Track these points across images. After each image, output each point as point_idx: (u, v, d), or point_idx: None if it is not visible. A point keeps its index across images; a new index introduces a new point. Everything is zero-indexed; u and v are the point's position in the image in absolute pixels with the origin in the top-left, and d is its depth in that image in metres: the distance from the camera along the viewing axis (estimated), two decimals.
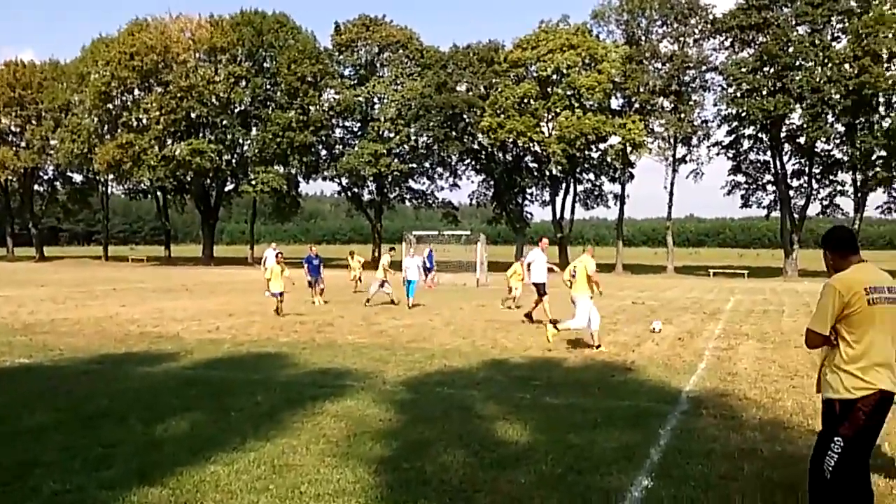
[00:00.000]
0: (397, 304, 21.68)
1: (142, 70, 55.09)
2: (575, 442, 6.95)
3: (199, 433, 7.14)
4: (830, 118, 48.54)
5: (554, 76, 52.85)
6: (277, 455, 6.43)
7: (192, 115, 57.19)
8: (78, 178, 71.13)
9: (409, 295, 21.29)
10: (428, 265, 31.71)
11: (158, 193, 66.16)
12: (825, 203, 53.45)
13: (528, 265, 17.92)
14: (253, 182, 57.49)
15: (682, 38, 54.16)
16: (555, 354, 12.54)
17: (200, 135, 58.86)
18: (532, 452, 6.59)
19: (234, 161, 60.59)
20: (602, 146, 54.14)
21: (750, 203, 54.95)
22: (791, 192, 53.13)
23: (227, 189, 64.77)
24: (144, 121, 56.78)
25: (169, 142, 57.61)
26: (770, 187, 54.11)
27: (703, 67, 53.69)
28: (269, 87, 59.31)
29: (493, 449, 6.68)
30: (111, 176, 63.17)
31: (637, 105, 53.71)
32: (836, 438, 4.46)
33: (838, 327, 4.52)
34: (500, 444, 6.90)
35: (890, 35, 45.78)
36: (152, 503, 5.30)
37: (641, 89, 52.47)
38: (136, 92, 57.94)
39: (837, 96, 46.59)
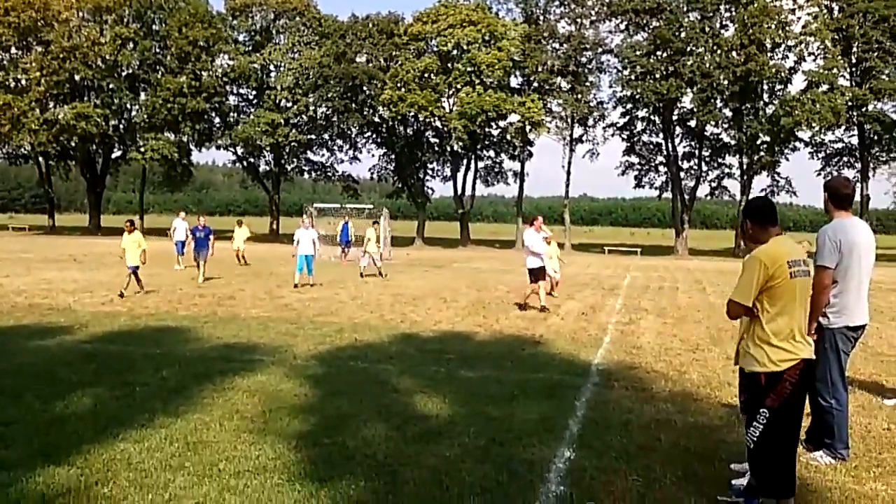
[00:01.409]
0: (386, 278, 22.52)
1: (18, 27, 51.76)
2: (494, 414, 6.95)
3: (103, 410, 6.75)
4: (719, 103, 50.63)
5: (454, 52, 52.85)
6: (190, 432, 6.15)
7: (77, 78, 54.25)
8: None
9: (304, 271, 19.25)
10: (344, 239, 31.16)
11: (41, 159, 62.39)
12: (714, 185, 55.86)
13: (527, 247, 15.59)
14: (142, 149, 55.15)
15: (579, 20, 55.13)
16: (464, 328, 12.55)
17: (85, 98, 55.98)
18: (453, 426, 6.55)
19: (121, 127, 58.00)
20: (502, 124, 54.63)
21: (643, 183, 56.81)
22: (682, 174, 55.17)
23: (114, 156, 61.86)
24: (23, 81, 53.41)
25: (51, 105, 54.56)
26: (662, 168, 56.03)
27: (600, 49, 54.93)
28: (158, 50, 56.93)
29: (414, 423, 6.60)
30: None
31: (536, 84, 54.43)
32: (761, 410, 4.56)
33: (760, 299, 4.59)
34: (420, 417, 6.82)
35: (773, 25, 47.96)
36: (60, 484, 4.95)
37: (540, 69, 53.16)
38: (14, 50, 54.58)
39: (726, 82, 48.58)
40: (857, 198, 53.93)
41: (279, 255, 33.33)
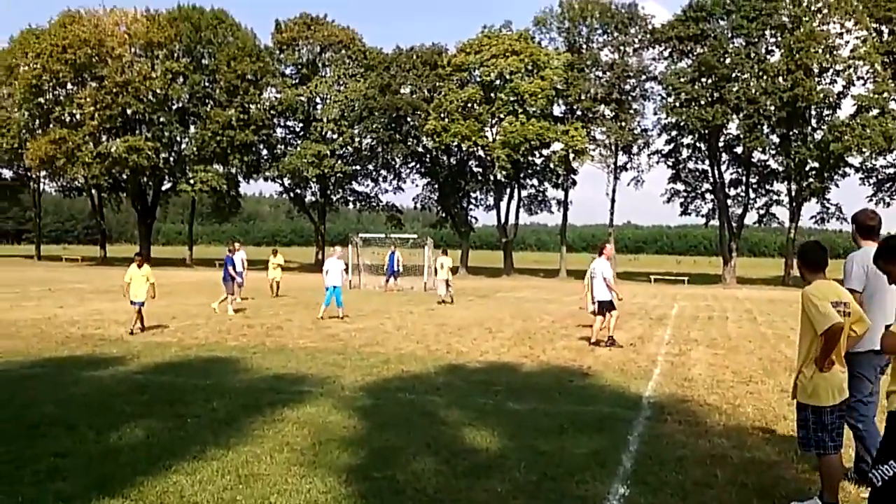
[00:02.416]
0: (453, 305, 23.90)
1: (75, 64, 53.32)
2: (545, 448, 6.86)
3: (155, 441, 6.83)
4: (766, 129, 49.89)
5: (497, 81, 53.04)
6: (241, 464, 6.17)
7: (129, 112, 55.61)
8: (7, 174, 68.43)
9: (338, 304, 18.62)
10: (391, 268, 31.27)
11: (93, 191, 64.09)
12: (762, 212, 54.85)
13: (591, 279, 15.00)
14: (191, 181, 56.21)
15: (622, 48, 54.99)
16: (510, 359, 12.47)
17: (137, 132, 57.26)
18: (503, 460, 6.48)
19: (171, 159, 59.12)
20: (545, 152, 54.55)
21: (689, 211, 56.09)
22: (728, 201, 54.38)
23: (164, 188, 63.16)
24: (78, 116, 54.91)
25: (104, 138, 55.90)
26: (708, 196, 55.27)
27: (643, 77, 54.62)
28: (207, 84, 58.07)
29: (463, 456, 6.54)
30: (43, 172, 61.07)
31: (579, 112, 54.31)
32: None
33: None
34: (469, 451, 6.76)
35: (820, 50, 47.32)
36: None
37: (583, 97, 53.08)
38: (69, 86, 56.05)
39: (772, 108, 47.89)
40: None
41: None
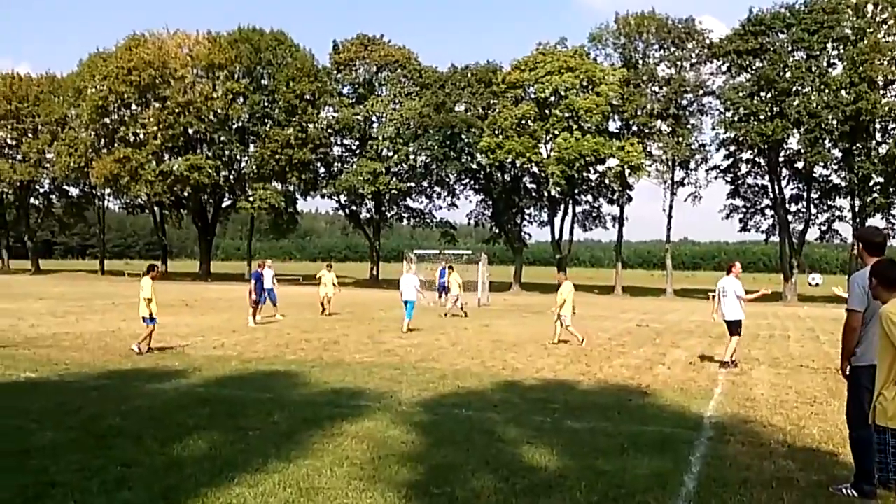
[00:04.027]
0: (467, 317, 24.27)
1: (139, 85, 55.06)
2: (605, 468, 6.77)
3: (218, 453, 6.95)
4: (828, 143, 48.77)
5: (552, 98, 52.92)
6: (302, 477, 6.24)
7: (190, 131, 57.16)
8: (74, 191, 70.72)
9: (408, 317, 19.74)
10: (441, 285, 31.14)
11: (155, 208, 65.85)
12: (823, 228, 53.55)
13: (722, 297, 14.20)
14: (251, 198, 57.39)
15: (679, 63, 54.40)
16: (567, 377, 12.37)
17: (198, 150, 58.71)
18: (563, 479, 6.41)
19: (231, 177, 60.46)
20: (600, 168, 54.16)
21: (749, 227, 55.04)
22: (789, 217, 53.21)
23: (224, 205, 64.57)
24: (142, 135, 56.66)
25: (166, 157, 57.53)
26: (768, 211, 54.19)
27: (701, 91, 53.90)
28: (266, 104, 59.26)
29: (522, 475, 6.50)
30: (108, 190, 63.03)
31: (635, 128, 53.86)
32: None
33: None
34: (528, 469, 6.72)
35: (885, 62, 46.13)
36: None
37: (639, 112, 52.63)
38: (134, 107, 57.83)
39: (835, 122, 46.81)
40: None
41: (380, 301, 33.80)
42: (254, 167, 57.56)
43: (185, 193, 59.79)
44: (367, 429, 8.06)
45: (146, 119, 55.66)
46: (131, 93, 55.49)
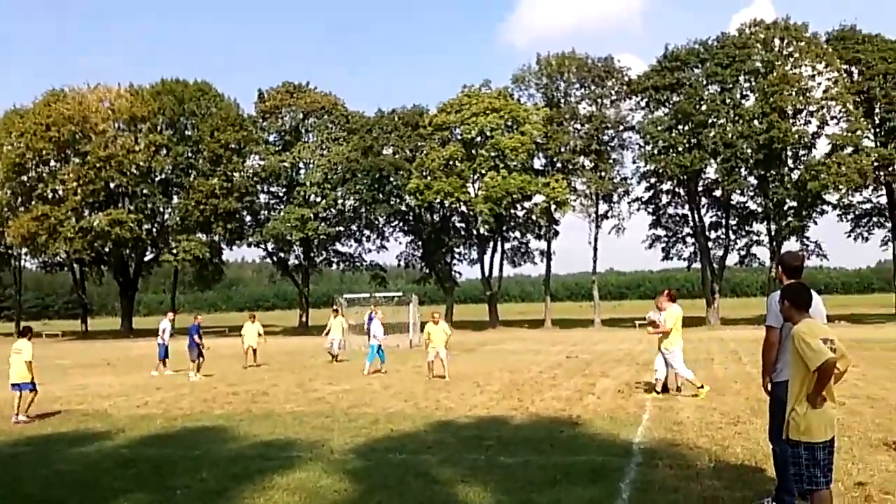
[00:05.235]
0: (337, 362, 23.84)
1: (58, 141, 53.67)
2: (539, 501, 6.83)
3: None
4: (744, 171, 50.77)
5: (478, 138, 53.80)
6: None
7: (111, 185, 55.87)
8: None
9: (381, 359, 21.04)
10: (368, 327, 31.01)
11: (75, 265, 63.78)
12: (742, 253, 55.49)
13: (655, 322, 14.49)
14: (174, 251, 56.23)
15: (599, 100, 56.03)
16: (500, 412, 12.42)
17: (120, 205, 57.32)
18: None
19: (154, 230, 59.22)
20: (527, 205, 55.14)
21: (671, 255, 56.62)
22: (710, 244, 54.93)
23: (146, 259, 63.04)
24: (61, 192, 54.98)
25: (86, 213, 55.97)
26: (689, 239, 55.89)
27: (621, 127, 55.60)
28: (190, 154, 58.53)
29: None
30: (24, 249, 60.79)
31: (559, 164, 55.07)
32: None
33: None
34: None
35: (793, 93, 48.40)
36: None
37: (563, 149, 53.85)
38: (53, 163, 56.28)
39: (749, 151, 48.79)
40: (890, 256, 53.37)
41: (310, 348, 33.39)
42: (177, 219, 56.55)
43: (106, 249, 58.22)
44: (299, 480, 7.92)
45: (65, 175, 54.15)
46: (50, 149, 54.00)
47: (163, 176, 58.80)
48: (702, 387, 13.75)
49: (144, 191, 57.15)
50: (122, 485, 7.95)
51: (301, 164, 60.12)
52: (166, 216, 59.32)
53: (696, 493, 6.91)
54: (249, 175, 58.30)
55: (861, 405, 12.00)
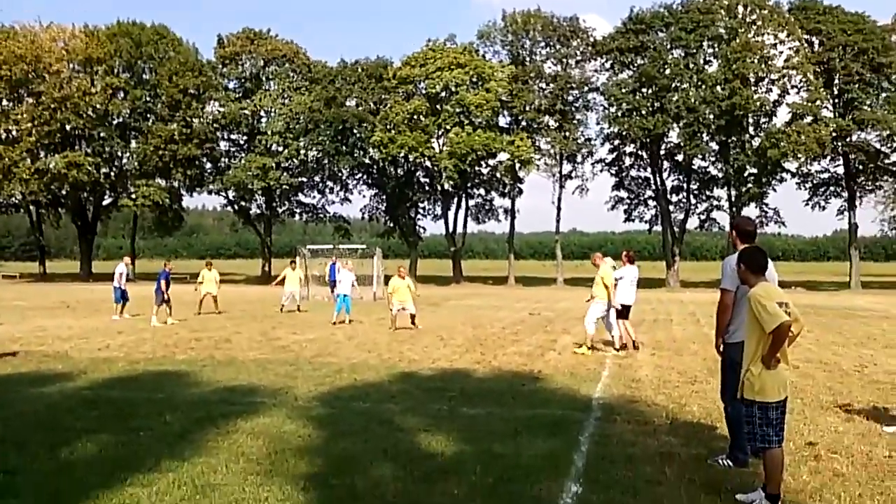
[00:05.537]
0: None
1: (10, 80, 52.12)
2: (500, 451, 6.97)
3: (109, 455, 6.75)
4: (706, 137, 51.28)
5: (443, 93, 53.46)
6: (197, 475, 6.14)
7: (67, 127, 54.52)
8: None
9: (347, 310, 20.47)
10: (332, 278, 31.01)
11: (31, 208, 62.39)
12: (703, 217, 56.33)
13: (616, 282, 14.52)
14: (133, 196, 55.45)
15: (564, 60, 55.95)
16: (463, 366, 12.58)
17: (77, 147, 56.09)
18: (460, 464, 6.56)
19: (112, 174, 58.16)
20: (491, 162, 55.16)
21: (633, 217, 57.29)
22: (671, 207, 55.62)
23: (105, 203, 61.93)
24: (15, 132, 53.59)
25: (42, 154, 54.69)
26: (651, 202, 56.50)
27: (586, 88, 55.69)
28: (148, 98, 57.37)
29: (420, 462, 6.60)
30: None
31: (524, 123, 55.07)
32: None
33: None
34: (426, 456, 6.84)
35: (755, 60, 48.79)
36: None
37: (528, 108, 53.82)
38: (5, 102, 54.76)
39: (711, 116, 49.23)
40: (846, 225, 54.58)
41: (273, 297, 33.26)
42: (136, 164, 55.57)
43: (64, 192, 57.11)
44: (263, 425, 7.98)
45: (19, 115, 52.71)
46: (1, 87, 52.48)
47: (120, 120, 57.64)
48: (591, 348, 14.13)
49: (102, 134, 55.94)
50: (84, 425, 7.93)
51: (262, 113, 59.26)
52: (124, 160, 58.27)
53: (652, 448, 7.11)
54: (209, 122, 57.35)
55: (814, 369, 12.38)
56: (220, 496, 5.64)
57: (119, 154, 58.04)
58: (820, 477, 6.19)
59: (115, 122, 57.54)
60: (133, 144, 57.48)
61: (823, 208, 55.05)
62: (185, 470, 6.28)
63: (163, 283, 21.05)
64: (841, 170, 53.43)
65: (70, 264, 79.41)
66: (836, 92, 51.24)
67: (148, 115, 57.13)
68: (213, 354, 13.83)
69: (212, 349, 14.61)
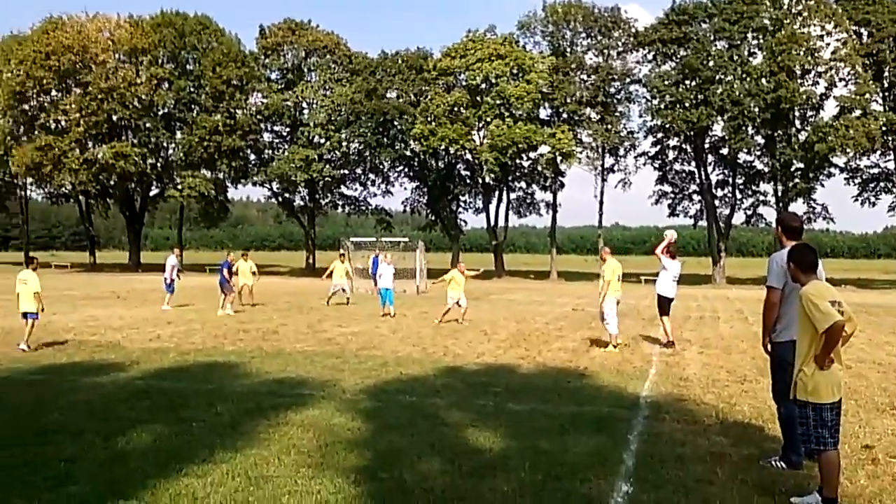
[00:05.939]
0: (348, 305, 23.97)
1: (59, 70, 53.30)
2: (547, 448, 6.96)
3: (163, 445, 6.89)
4: (751, 130, 50.38)
5: (483, 85, 53.31)
6: (250, 466, 6.25)
7: (114, 118, 55.65)
8: None
9: (390, 303, 20.86)
10: (374, 271, 31.02)
11: (81, 198, 63.82)
12: (749, 213, 55.36)
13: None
14: (179, 186, 56.35)
15: (606, 51, 55.44)
16: (507, 361, 12.58)
17: (123, 138, 57.22)
18: (507, 460, 6.57)
19: (159, 165, 59.15)
20: (532, 155, 54.95)
21: (677, 212, 56.58)
22: (716, 202, 54.82)
23: (152, 193, 63.09)
24: (63, 123, 54.86)
25: (90, 144, 55.84)
26: (696, 197, 55.76)
27: (628, 79, 55.06)
28: (192, 89, 58.11)
29: (468, 457, 6.63)
30: (30, 179, 60.77)
31: (565, 115, 54.63)
32: None
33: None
34: (473, 451, 6.86)
35: (801, 52, 47.76)
36: None
37: (569, 100, 53.40)
38: (54, 92, 55.90)
39: (756, 109, 48.36)
40: None
41: (318, 290, 33.55)
42: (181, 154, 56.40)
43: (112, 182, 58.32)
44: (312, 417, 8.08)
45: (67, 105, 53.90)
46: (50, 78, 53.59)
47: (165, 110, 58.55)
48: (617, 345, 13.99)
49: (147, 125, 56.89)
50: (137, 415, 8.12)
51: (304, 104, 59.72)
52: (170, 151, 59.20)
53: (703, 448, 7.05)
54: (252, 113, 58.02)
55: (867, 369, 12.13)
56: (273, 488, 5.73)
57: (165, 145, 59.00)
58: (878, 482, 6.07)
59: (160, 113, 58.47)
60: (178, 135, 58.36)
61: (874, 204, 53.76)
62: (238, 461, 6.38)
63: (225, 272, 21.82)
64: (891, 165, 52.14)
65: (119, 254, 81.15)
66: (885, 85, 49.94)
67: (192, 106, 57.92)
68: (262, 346, 14.02)
69: (259, 340, 14.82)
